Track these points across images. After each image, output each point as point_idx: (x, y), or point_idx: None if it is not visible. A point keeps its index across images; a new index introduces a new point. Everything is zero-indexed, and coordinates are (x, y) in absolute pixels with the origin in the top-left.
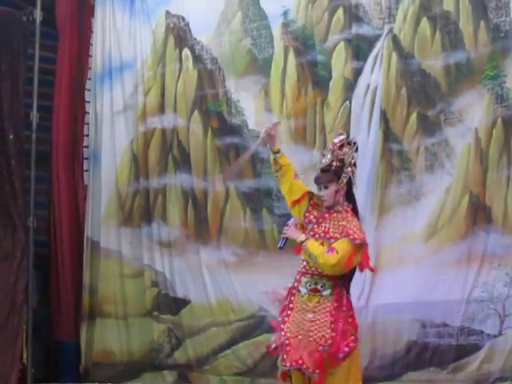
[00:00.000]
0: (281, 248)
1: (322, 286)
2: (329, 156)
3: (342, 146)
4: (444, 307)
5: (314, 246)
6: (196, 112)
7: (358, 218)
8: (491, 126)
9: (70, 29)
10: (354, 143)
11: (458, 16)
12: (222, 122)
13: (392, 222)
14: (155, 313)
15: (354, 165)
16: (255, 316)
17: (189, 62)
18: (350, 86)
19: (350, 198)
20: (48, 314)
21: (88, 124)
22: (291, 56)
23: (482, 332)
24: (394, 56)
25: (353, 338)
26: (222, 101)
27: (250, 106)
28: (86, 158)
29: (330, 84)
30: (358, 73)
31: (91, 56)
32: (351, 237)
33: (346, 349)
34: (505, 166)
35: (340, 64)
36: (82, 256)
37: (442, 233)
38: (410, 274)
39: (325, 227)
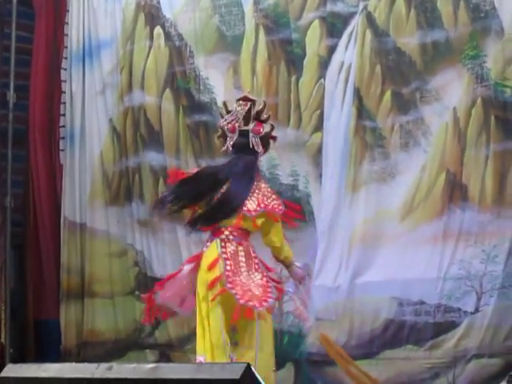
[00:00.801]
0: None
1: None
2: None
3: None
4: (421, 285)
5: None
6: (168, 90)
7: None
8: (471, 105)
9: (46, 8)
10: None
11: None
12: (190, 100)
13: (366, 200)
14: (137, 292)
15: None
16: None
17: (161, 40)
18: (324, 64)
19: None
20: (26, 293)
21: (64, 104)
22: (262, 34)
23: (459, 309)
24: (369, 34)
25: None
26: (189, 77)
27: (219, 84)
28: (63, 138)
29: (305, 62)
30: (332, 50)
31: (67, 35)
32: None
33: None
34: (483, 145)
35: (314, 42)
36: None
37: (418, 210)
38: (387, 251)
39: None
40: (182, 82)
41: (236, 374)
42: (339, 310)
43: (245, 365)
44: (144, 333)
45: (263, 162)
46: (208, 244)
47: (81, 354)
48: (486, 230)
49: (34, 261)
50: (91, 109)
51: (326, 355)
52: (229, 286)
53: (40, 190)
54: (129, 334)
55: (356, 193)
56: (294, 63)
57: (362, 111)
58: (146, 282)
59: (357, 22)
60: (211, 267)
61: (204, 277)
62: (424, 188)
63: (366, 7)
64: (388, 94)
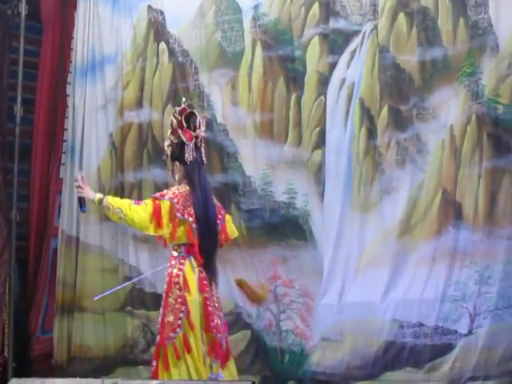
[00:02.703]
0: (84, 212)
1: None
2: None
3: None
4: (420, 306)
5: (116, 200)
6: (169, 106)
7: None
8: (466, 122)
9: (53, 22)
10: (178, 112)
11: (436, 12)
12: None
13: (370, 220)
14: (128, 308)
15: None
16: (233, 313)
17: (164, 56)
18: (324, 81)
19: (187, 174)
20: (29, 307)
21: (67, 118)
22: (258, 49)
23: (455, 331)
24: (377, 53)
25: (179, 322)
26: (192, 94)
27: (218, 100)
28: (64, 152)
29: (305, 79)
30: (332, 67)
31: (72, 49)
32: (154, 194)
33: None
34: (477, 163)
35: (315, 58)
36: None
37: (416, 230)
38: (386, 272)
39: None
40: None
41: None
42: (344, 329)
43: (249, 383)
44: (138, 348)
45: (256, 178)
46: (182, 261)
47: (69, 370)
48: (479, 249)
49: (32, 275)
50: (91, 123)
51: (331, 375)
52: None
53: (33, 204)
54: (118, 350)
55: (363, 214)
56: (296, 80)
57: (372, 131)
58: (142, 297)
59: (361, 41)
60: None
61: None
62: (422, 207)
63: (376, 26)
64: (385, 110)
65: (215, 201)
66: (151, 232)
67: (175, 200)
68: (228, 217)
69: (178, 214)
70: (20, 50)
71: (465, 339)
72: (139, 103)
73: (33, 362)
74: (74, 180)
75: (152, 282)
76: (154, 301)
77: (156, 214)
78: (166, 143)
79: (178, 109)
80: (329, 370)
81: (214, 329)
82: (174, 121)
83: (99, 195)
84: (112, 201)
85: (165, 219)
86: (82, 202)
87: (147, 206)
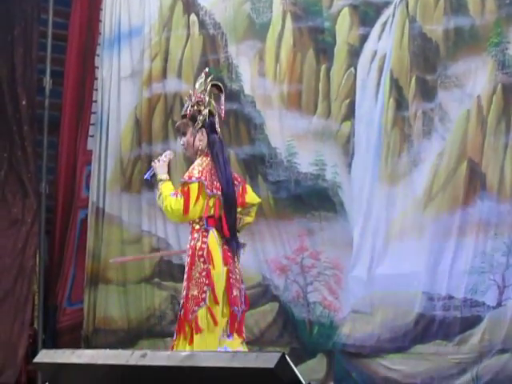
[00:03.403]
0: (147, 180)
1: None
2: (187, 102)
3: (201, 90)
4: (449, 279)
5: (166, 187)
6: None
7: (218, 164)
8: (492, 92)
9: None
10: (210, 83)
11: None
12: None
13: (398, 191)
14: (156, 279)
15: (213, 106)
16: (261, 285)
17: (195, 28)
18: (355, 53)
19: (212, 145)
20: (57, 279)
21: (97, 90)
22: (288, 21)
23: (483, 304)
24: (407, 23)
25: (203, 296)
26: (223, 66)
27: (246, 71)
28: (93, 124)
29: (335, 50)
30: (364, 39)
31: (101, 21)
32: (182, 179)
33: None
34: (503, 133)
35: (344, 30)
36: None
37: (438, 200)
38: (415, 243)
39: None
40: (214, 71)
41: (271, 363)
42: (374, 302)
43: (279, 354)
44: (165, 321)
45: (282, 150)
46: (205, 234)
47: (93, 342)
48: (505, 221)
49: (59, 246)
50: (117, 95)
51: (361, 347)
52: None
53: (60, 176)
54: (142, 322)
55: (391, 185)
56: (326, 52)
57: (401, 102)
58: (169, 269)
59: (393, 12)
60: (226, 262)
61: (220, 272)
62: (442, 176)
63: None
64: (413, 81)
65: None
66: (185, 220)
67: (203, 178)
68: (247, 185)
69: (208, 191)
70: (49, 23)
71: (494, 311)
72: (166, 74)
73: (59, 334)
74: (102, 153)
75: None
76: (181, 272)
77: (187, 203)
78: (199, 112)
79: (208, 79)
80: (359, 342)
81: (232, 301)
82: (208, 93)
83: (163, 177)
84: (163, 186)
85: (194, 200)
86: (151, 173)
87: (180, 198)
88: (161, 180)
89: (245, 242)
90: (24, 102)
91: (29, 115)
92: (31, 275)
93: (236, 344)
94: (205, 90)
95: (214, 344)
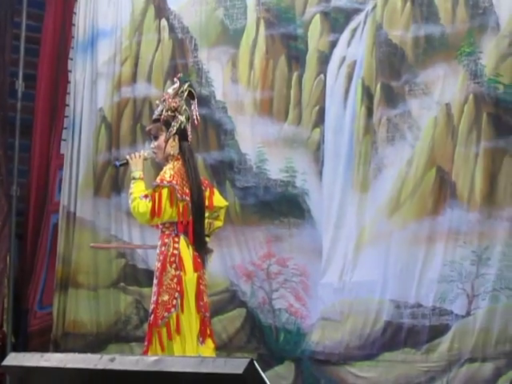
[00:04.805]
0: (115, 166)
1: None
2: (160, 106)
3: (175, 95)
4: (418, 287)
5: (137, 187)
6: (168, 82)
7: (187, 169)
8: (463, 101)
9: None
10: (187, 90)
11: None
12: None
13: (369, 198)
14: (122, 284)
15: (188, 114)
16: (228, 290)
17: (165, 33)
18: (325, 59)
19: (182, 151)
20: (27, 282)
21: (69, 93)
22: (262, 27)
23: (452, 312)
24: (375, 31)
25: (174, 302)
26: (191, 71)
27: (218, 77)
28: (66, 128)
29: (307, 57)
30: (333, 46)
31: (74, 25)
32: (154, 182)
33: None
34: (473, 143)
35: (316, 37)
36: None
37: (405, 207)
38: (383, 251)
39: None
40: (182, 75)
41: (239, 369)
42: (344, 309)
43: (248, 360)
44: (130, 325)
45: (251, 156)
46: (176, 240)
47: (62, 345)
48: (475, 230)
49: (31, 250)
50: (90, 99)
51: (330, 354)
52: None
53: (32, 179)
54: (111, 326)
55: (362, 192)
56: (298, 59)
57: (371, 110)
58: (134, 273)
59: (363, 19)
60: (196, 268)
61: (191, 277)
62: (410, 183)
63: (377, 5)
64: (378, 87)
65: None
66: (151, 223)
67: (174, 182)
68: (215, 189)
69: (178, 196)
70: (22, 25)
71: (462, 320)
72: (135, 79)
73: (30, 338)
74: (74, 157)
75: (144, 258)
76: (146, 277)
77: (154, 207)
78: (173, 117)
79: (185, 86)
80: (328, 349)
81: (203, 308)
82: (183, 98)
83: (137, 175)
84: (135, 186)
85: (166, 205)
86: (123, 162)
87: (148, 202)
88: (134, 178)
89: (212, 248)
90: None
91: (0, 118)
92: (1, 278)
93: (209, 350)
94: (180, 96)
95: (184, 350)
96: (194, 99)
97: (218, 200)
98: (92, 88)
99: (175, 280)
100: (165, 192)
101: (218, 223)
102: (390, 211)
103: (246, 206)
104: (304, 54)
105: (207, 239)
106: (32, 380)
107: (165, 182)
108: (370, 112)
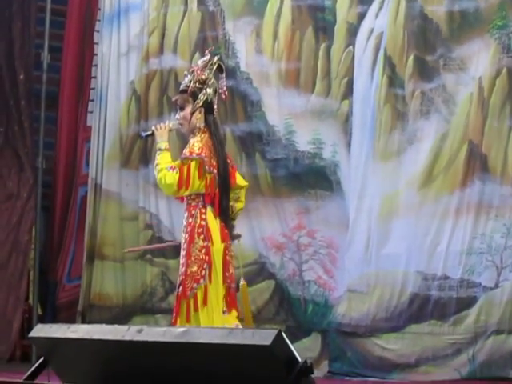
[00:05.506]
0: (141, 137)
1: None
2: (188, 76)
3: (204, 67)
4: (445, 259)
5: (164, 158)
6: (197, 54)
7: (214, 141)
8: (495, 75)
9: None
10: (216, 64)
11: None
12: None
13: (392, 170)
14: (148, 256)
15: (216, 87)
16: (257, 262)
17: (193, 4)
18: (353, 31)
19: (209, 124)
20: (53, 255)
21: (96, 66)
22: None
23: (480, 284)
24: (403, 2)
25: (203, 273)
26: (220, 43)
27: (242, 48)
28: (92, 100)
29: (335, 29)
30: (361, 17)
31: None
32: (183, 155)
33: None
34: (507, 117)
35: (344, 8)
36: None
37: (439, 181)
38: (412, 222)
39: None
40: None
41: (267, 340)
42: (370, 281)
43: (276, 331)
44: (155, 297)
45: (280, 128)
46: (203, 211)
47: (87, 317)
48: (506, 203)
49: (59, 222)
50: (117, 71)
51: (356, 326)
52: None
53: (61, 152)
54: (136, 298)
55: (386, 163)
56: (325, 30)
57: (394, 79)
58: None
59: None
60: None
61: (219, 248)
62: (445, 158)
63: None
64: (411, 60)
65: None
66: (178, 195)
67: (203, 154)
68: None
69: (206, 168)
70: None
71: (490, 292)
72: (163, 50)
73: (58, 310)
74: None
75: (170, 229)
76: (172, 249)
77: (182, 179)
78: (200, 89)
79: (215, 60)
80: (354, 321)
81: (229, 278)
82: (214, 73)
83: (163, 146)
84: (160, 157)
85: (195, 177)
86: (148, 133)
87: (175, 173)
88: (159, 149)
89: (239, 233)
90: (22, 77)
91: (26, 90)
92: (26, 250)
93: (232, 320)
94: (210, 68)
95: (212, 321)
96: (222, 73)
97: (239, 179)
98: (119, 60)
99: (203, 251)
100: (193, 164)
101: (240, 205)
102: (421, 184)
103: (277, 178)
104: (332, 25)
105: (233, 223)
106: (59, 351)
107: (194, 155)
108: (391, 81)
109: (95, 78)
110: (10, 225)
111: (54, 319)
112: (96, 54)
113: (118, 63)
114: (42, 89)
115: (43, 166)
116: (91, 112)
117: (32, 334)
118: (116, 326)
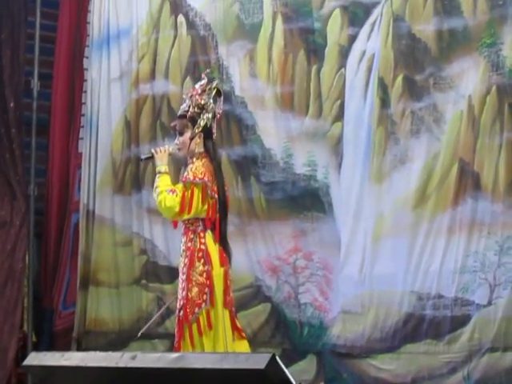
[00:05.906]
0: (140, 159)
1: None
2: (187, 101)
3: (203, 92)
4: (439, 278)
5: (163, 181)
6: (188, 78)
7: (214, 166)
8: (485, 93)
9: None
10: (215, 88)
11: None
12: None
13: (387, 190)
14: (143, 281)
15: (214, 112)
16: (253, 286)
17: (183, 29)
18: (345, 53)
19: (208, 149)
20: (47, 282)
21: (86, 92)
22: (279, 22)
23: (474, 302)
24: (392, 23)
25: (205, 297)
26: (214, 67)
27: (236, 72)
28: (83, 126)
29: (326, 51)
30: (353, 39)
31: (89, 23)
32: (183, 178)
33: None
34: (497, 134)
35: (335, 31)
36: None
37: (432, 200)
38: (404, 243)
39: None
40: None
41: (261, 364)
42: (365, 302)
43: (270, 355)
44: (153, 322)
45: (277, 151)
46: (202, 235)
47: (83, 344)
48: (498, 220)
49: (53, 249)
50: (107, 97)
51: (351, 347)
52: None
53: (53, 178)
54: (132, 324)
55: (380, 183)
56: (316, 53)
57: (386, 101)
58: (155, 270)
59: (380, 12)
60: (223, 263)
61: (219, 272)
62: (437, 177)
63: None
64: (399, 79)
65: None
66: (178, 218)
67: (206, 179)
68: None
69: (209, 193)
70: (36, 25)
71: (484, 310)
72: (154, 75)
73: (55, 337)
74: (92, 155)
75: (166, 255)
76: (168, 274)
77: (185, 203)
78: (199, 114)
79: (213, 84)
80: (349, 342)
81: (230, 303)
82: (210, 96)
83: (162, 169)
84: (160, 179)
85: (198, 202)
86: (148, 156)
87: (175, 196)
88: (159, 172)
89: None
90: (12, 104)
91: (16, 117)
92: (21, 278)
93: (243, 347)
94: (208, 93)
95: (217, 346)
96: (220, 96)
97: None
98: (109, 86)
99: (204, 275)
100: (197, 189)
101: None
102: (415, 203)
103: (272, 201)
104: (322, 47)
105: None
106: (53, 379)
107: (197, 179)
108: (383, 103)
109: (85, 104)
110: (5, 253)
111: (51, 346)
112: (86, 80)
113: (108, 89)
114: (32, 116)
115: (35, 193)
116: (82, 138)
117: (26, 362)
118: (110, 352)
